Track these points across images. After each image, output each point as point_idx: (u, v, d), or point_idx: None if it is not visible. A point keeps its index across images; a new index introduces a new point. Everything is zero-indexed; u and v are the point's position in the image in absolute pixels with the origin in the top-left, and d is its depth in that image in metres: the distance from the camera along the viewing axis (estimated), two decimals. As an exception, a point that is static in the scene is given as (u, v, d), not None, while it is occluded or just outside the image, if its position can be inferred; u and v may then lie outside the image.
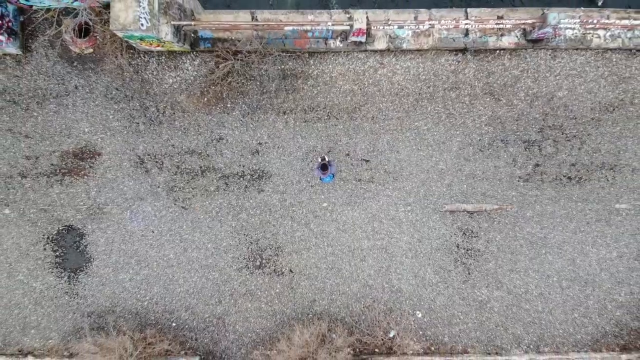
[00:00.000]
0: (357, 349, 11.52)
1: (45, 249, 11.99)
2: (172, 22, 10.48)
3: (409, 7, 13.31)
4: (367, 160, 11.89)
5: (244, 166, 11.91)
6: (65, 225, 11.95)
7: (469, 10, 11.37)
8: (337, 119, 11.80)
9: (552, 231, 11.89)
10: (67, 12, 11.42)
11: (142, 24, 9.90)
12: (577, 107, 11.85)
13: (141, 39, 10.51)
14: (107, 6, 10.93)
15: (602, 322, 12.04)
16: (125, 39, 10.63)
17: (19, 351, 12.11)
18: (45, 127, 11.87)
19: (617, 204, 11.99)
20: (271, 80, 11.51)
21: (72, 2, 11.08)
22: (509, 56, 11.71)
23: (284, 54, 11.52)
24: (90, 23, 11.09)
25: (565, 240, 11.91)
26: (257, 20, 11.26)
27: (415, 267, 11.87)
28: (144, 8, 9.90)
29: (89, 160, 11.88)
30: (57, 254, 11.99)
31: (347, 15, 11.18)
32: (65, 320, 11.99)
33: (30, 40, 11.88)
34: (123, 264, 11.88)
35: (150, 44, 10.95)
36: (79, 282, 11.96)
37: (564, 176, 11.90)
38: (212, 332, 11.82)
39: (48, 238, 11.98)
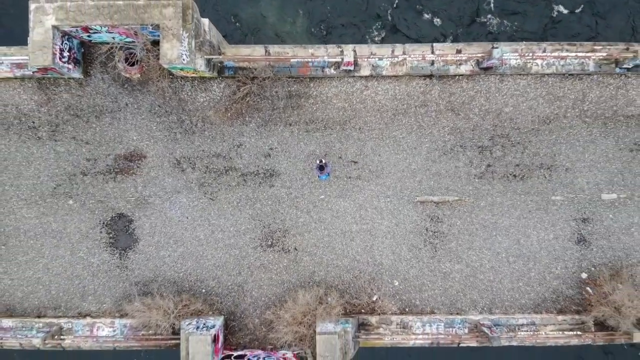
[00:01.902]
0: (347, 309, 14.70)
1: (101, 232, 15.18)
2: (205, 56, 13.67)
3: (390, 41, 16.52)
4: (356, 162, 15.08)
5: (258, 166, 15.11)
6: (118, 213, 15.14)
7: (434, 45, 14.56)
8: (331, 129, 15.00)
9: (501, 217, 15.08)
10: (120, 45, 14.59)
11: (183, 59, 13.07)
12: (521, 120, 15.05)
13: (181, 69, 13.70)
14: (153, 43, 14.10)
15: (542, 290, 15.20)
16: (168, 68, 13.81)
17: (79, 313, 15.27)
18: (102, 135, 15.06)
19: (553, 196, 15.17)
20: (280, 99, 14.73)
21: (125, 39, 14.25)
22: (466, 80, 14.91)
23: (290, 79, 14.75)
24: (139, 55, 14.26)
25: (511, 225, 15.09)
26: (269, 53, 14.47)
27: (393, 245, 15.06)
28: (184, 47, 13.08)
29: (136, 161, 15.07)
30: (111, 235, 15.18)
31: (339, 50, 14.39)
32: (117, 288, 15.17)
33: (89, 67, 15.07)
34: (163, 243, 15.08)
35: (187, 72, 14.15)
36: (128, 258, 15.15)
37: (510, 174, 15.08)
38: (233, 297, 15.01)
39: (103, 223, 15.17)
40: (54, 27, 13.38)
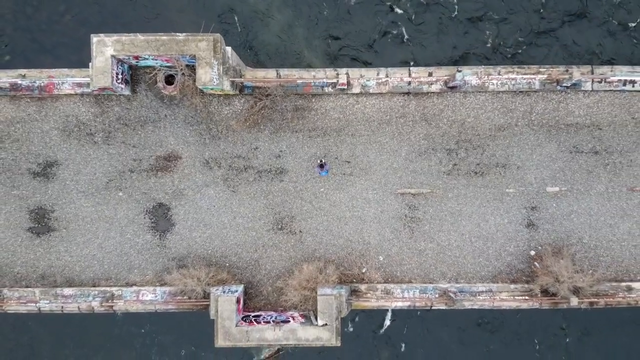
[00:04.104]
0: (342, 278, 18.41)
1: (144, 218, 18.91)
2: (230, 79, 17.41)
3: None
4: (349, 162, 18.81)
5: (271, 165, 18.85)
6: (158, 203, 18.88)
7: (410, 68, 18.32)
8: (329, 135, 18.75)
9: (465, 206, 18.80)
10: (164, 71, 18.31)
11: (214, 81, 16.81)
12: (480, 128, 18.78)
13: (211, 89, 17.46)
14: (188, 67, 17.80)
15: (498, 264, 18.90)
16: (201, 88, 17.55)
17: (126, 283, 18.97)
18: (146, 140, 18.80)
19: (507, 189, 18.86)
20: (288, 111, 18.48)
21: (166, 64, 17.98)
22: (436, 97, 18.65)
23: (297, 95, 18.49)
24: (178, 78, 17.97)
25: (473, 212, 18.81)
26: (280, 75, 18.24)
27: (379, 228, 18.79)
28: (215, 72, 16.82)
29: (173, 161, 18.80)
30: (152, 221, 18.92)
31: (335, 73, 18.15)
32: (157, 263, 18.90)
33: (136, 86, 18.80)
34: (195, 226, 18.81)
35: (215, 91, 17.91)
36: (166, 238, 18.89)
37: (472, 171, 18.81)
38: (251, 269, 18.76)
39: (147, 211, 18.90)
40: (112, 56, 17.08)
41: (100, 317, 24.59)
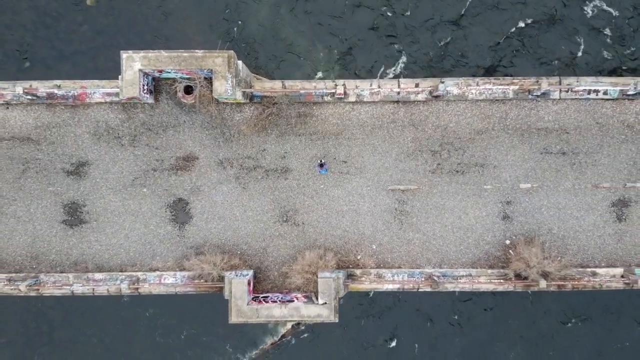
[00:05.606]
0: (339, 264, 20.97)
1: (166, 211, 21.47)
2: (242, 90, 19.98)
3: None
4: (345, 162, 21.37)
5: (277, 165, 21.41)
6: (178, 198, 21.44)
7: (399, 80, 20.88)
8: (328, 139, 21.30)
9: (448, 201, 21.36)
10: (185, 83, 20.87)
11: (228, 92, 19.38)
12: (461, 132, 21.33)
13: (226, 98, 20.03)
14: (205, 79, 20.35)
15: (477, 252, 21.46)
16: (217, 98, 20.11)
17: (150, 268, 21.51)
18: (167, 143, 21.36)
19: (485, 185, 21.41)
20: (292, 117, 21.05)
21: (185, 76, 20.54)
22: (422, 105, 21.21)
23: (300, 104, 21.06)
24: (193, 87, 20.53)
25: (455, 206, 21.37)
26: (285, 86, 20.82)
27: (372, 220, 21.36)
28: (229, 84, 19.38)
29: (191, 161, 21.37)
30: (173, 214, 21.48)
31: (334, 84, 20.73)
32: (177, 251, 21.47)
33: (158, 95, 21.36)
34: (210, 219, 21.37)
35: (229, 100, 20.48)
36: (185, 229, 21.46)
37: (454, 170, 21.36)
38: (259, 256, 21.33)
39: (168, 205, 21.46)
40: (140, 70, 19.63)
41: (108, 300, 27.14)
